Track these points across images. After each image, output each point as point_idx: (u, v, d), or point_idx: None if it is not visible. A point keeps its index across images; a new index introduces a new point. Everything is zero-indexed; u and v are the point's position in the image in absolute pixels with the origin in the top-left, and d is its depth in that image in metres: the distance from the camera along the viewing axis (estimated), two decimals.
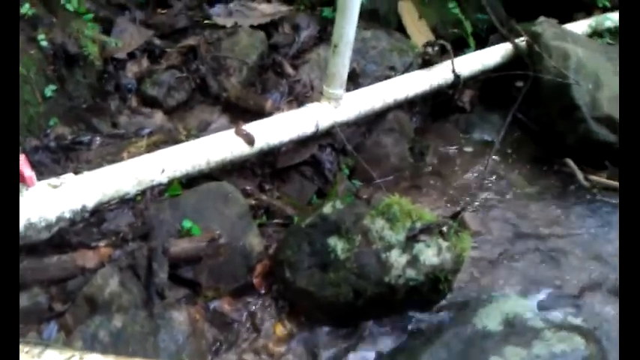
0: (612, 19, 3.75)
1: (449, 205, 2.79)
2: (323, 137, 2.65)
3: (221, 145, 2.26)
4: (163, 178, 2.11)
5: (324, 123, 2.55)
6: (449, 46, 3.05)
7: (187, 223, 1.99)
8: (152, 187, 2.10)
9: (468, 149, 3.14)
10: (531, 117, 3.20)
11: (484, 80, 3.34)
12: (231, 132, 2.32)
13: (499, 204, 2.83)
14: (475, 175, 2.98)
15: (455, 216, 2.65)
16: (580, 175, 2.82)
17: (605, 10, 3.91)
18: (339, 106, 2.58)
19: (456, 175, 2.98)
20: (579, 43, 3.09)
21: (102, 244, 1.99)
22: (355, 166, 2.82)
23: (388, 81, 2.86)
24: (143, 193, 2.10)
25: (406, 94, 2.87)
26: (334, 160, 2.70)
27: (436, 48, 3.09)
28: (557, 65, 2.89)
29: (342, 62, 2.48)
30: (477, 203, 2.83)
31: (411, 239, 1.92)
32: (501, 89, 3.32)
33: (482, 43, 3.53)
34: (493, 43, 3.42)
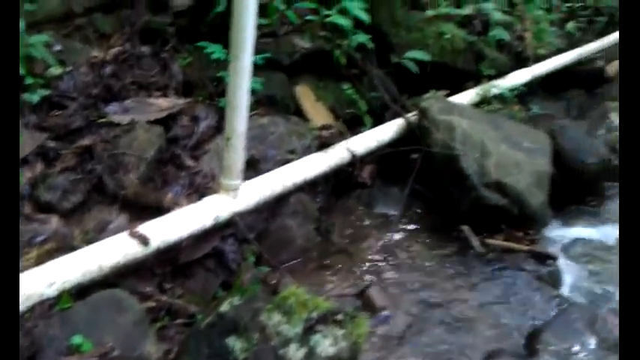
0: (497, 86, 4.03)
1: (357, 281, 2.83)
2: (224, 228, 2.66)
3: (114, 249, 2.22)
4: (52, 292, 2.04)
5: (223, 214, 2.56)
6: (343, 128, 3.19)
7: (77, 339, 1.91)
8: (41, 302, 2.03)
9: (372, 223, 3.22)
10: (429, 187, 3.33)
11: (382, 155, 3.48)
12: (124, 234, 2.29)
13: (404, 275, 2.89)
14: (380, 248, 3.05)
15: (360, 294, 2.72)
16: (475, 242, 2.94)
17: (491, 78, 4.20)
18: (237, 196, 2.61)
19: (362, 251, 3.04)
20: (465, 114, 3.29)
21: None
22: (262, 252, 2.83)
23: (286, 166, 2.93)
24: (32, 309, 2.02)
25: (305, 176, 2.94)
26: (238, 250, 2.70)
27: (332, 130, 3.22)
28: (444, 138, 3.06)
29: (237, 154, 2.53)
30: (383, 277, 2.88)
31: (308, 331, 1.92)
32: (399, 162, 3.46)
33: (379, 119, 3.70)
34: (388, 119, 3.59)
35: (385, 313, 2.64)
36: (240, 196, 2.61)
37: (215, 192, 2.66)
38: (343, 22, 3.54)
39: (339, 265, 2.93)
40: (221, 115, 3.26)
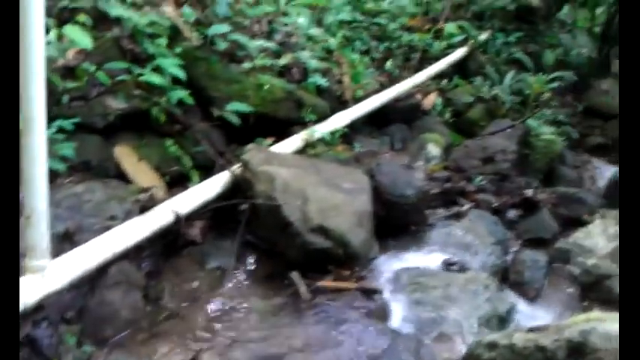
0: (319, 130, 4.19)
1: (189, 347, 2.74)
2: (35, 312, 2.46)
3: None
4: None
5: (31, 299, 2.36)
6: (167, 188, 3.12)
7: None
8: None
9: (205, 281, 3.15)
10: (259, 237, 3.35)
11: (215, 209, 3.45)
12: None
13: (239, 332, 2.85)
14: (214, 306, 3.00)
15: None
16: (302, 288, 2.98)
17: (315, 122, 4.35)
18: (45, 277, 2.43)
19: (196, 312, 2.96)
20: (285, 162, 3.38)
21: None
22: (83, 330, 2.66)
23: (103, 236, 2.79)
24: None
25: (126, 245, 2.82)
26: (53, 333, 2.51)
27: (155, 191, 3.14)
28: (265, 189, 3.12)
29: (39, 232, 2.36)
30: (218, 337, 2.82)
31: None
32: (231, 215, 3.45)
33: (210, 173, 3.66)
34: (216, 173, 3.58)
35: None
36: (49, 276, 2.43)
37: (21, 275, 2.46)
38: (157, 79, 3.51)
39: (171, 332, 2.83)
40: None
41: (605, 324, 2.40)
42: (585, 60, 7.85)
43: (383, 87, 5.48)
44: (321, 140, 4.21)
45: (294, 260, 3.15)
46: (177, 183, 3.62)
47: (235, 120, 3.80)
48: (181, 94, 3.64)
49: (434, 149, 4.83)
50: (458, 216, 4.05)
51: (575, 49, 7.84)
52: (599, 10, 8.46)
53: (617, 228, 4.05)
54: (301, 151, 4.06)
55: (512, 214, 4.24)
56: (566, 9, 8.21)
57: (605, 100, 7.17)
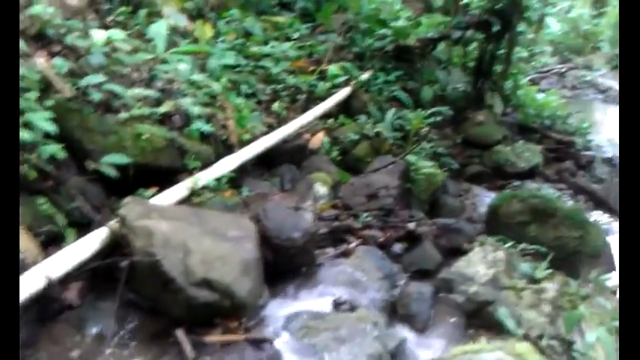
0: (204, 177, 4.14)
1: None
2: None
3: None
4: None
5: None
6: (37, 251, 2.95)
7: None
8: None
9: (84, 347, 2.98)
10: (142, 296, 3.22)
11: (93, 268, 3.29)
12: None
13: None
14: None
15: None
16: (187, 347, 2.89)
17: (201, 169, 4.29)
18: None
19: None
20: (166, 215, 3.30)
21: None
22: None
23: None
24: None
25: None
26: None
27: (23, 255, 2.95)
28: (144, 244, 3.02)
29: None
30: None
31: None
32: (111, 274, 3.30)
33: (87, 229, 3.50)
34: (95, 229, 3.42)
35: None
36: None
37: None
38: (27, 135, 3.32)
39: None
40: None
41: (482, 354, 2.53)
42: (461, 94, 8.38)
43: (271, 128, 5.52)
44: (207, 187, 4.15)
45: (179, 317, 3.06)
46: (52, 242, 3.42)
47: (112, 172, 3.67)
48: (53, 148, 3.47)
49: (322, 188, 4.91)
50: (346, 254, 4.13)
51: (451, 84, 8.36)
52: (471, 47, 9.12)
53: (495, 255, 4.31)
54: (187, 200, 3.98)
55: (397, 247, 4.39)
56: (441, 47, 8.73)
57: (480, 131, 7.68)
